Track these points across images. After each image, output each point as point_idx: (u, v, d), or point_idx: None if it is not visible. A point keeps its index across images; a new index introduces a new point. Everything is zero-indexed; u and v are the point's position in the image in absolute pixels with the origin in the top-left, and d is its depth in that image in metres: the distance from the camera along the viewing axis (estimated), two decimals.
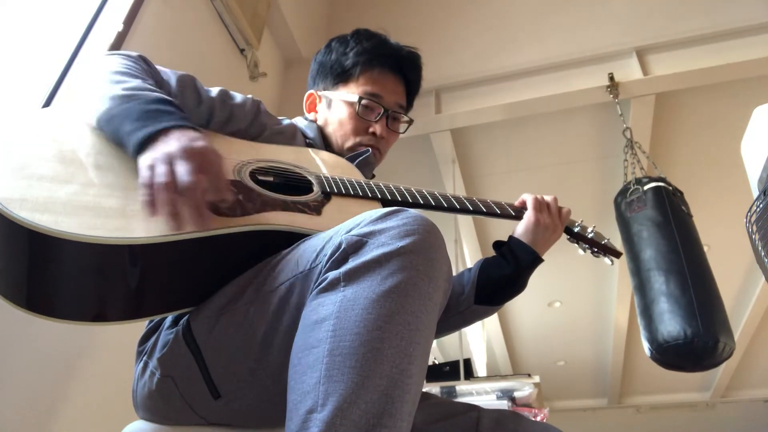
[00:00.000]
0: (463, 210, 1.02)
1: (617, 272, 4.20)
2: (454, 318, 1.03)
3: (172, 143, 0.70)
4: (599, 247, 1.15)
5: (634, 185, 2.36)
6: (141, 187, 0.68)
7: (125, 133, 0.74)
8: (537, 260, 1.02)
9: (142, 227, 0.68)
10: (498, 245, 1.06)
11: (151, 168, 0.69)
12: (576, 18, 2.85)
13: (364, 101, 1.09)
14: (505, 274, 1.01)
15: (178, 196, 0.67)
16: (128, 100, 0.77)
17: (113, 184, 0.73)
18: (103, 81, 0.81)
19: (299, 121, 1.15)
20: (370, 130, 1.10)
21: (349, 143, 1.10)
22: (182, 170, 0.68)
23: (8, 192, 0.65)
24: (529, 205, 1.07)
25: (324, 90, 1.15)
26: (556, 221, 1.07)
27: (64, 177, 0.70)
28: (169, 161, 0.68)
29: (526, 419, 0.87)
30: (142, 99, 0.77)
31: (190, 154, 0.69)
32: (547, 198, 1.09)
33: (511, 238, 1.05)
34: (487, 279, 1.01)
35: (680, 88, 2.74)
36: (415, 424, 0.79)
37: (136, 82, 0.81)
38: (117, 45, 1.57)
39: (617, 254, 1.16)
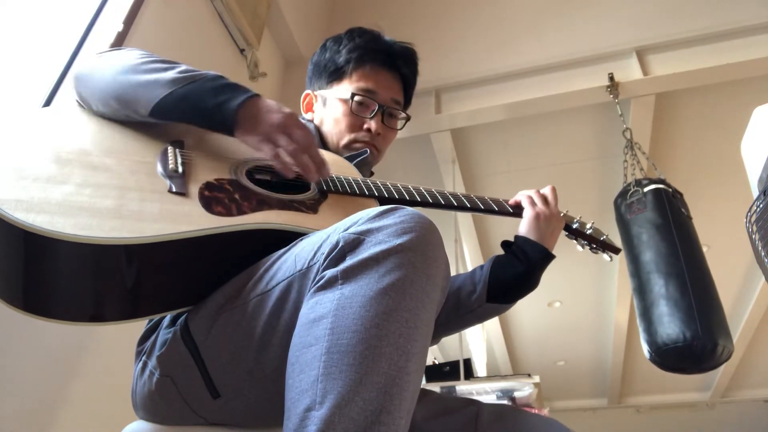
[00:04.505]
0: (461, 207, 1.01)
1: (617, 272, 4.20)
2: (466, 316, 1.03)
3: (272, 114, 0.79)
4: (598, 243, 1.14)
5: (633, 187, 2.35)
6: (271, 158, 0.80)
7: (210, 108, 0.78)
8: (548, 256, 1.02)
9: (138, 227, 0.67)
10: (507, 245, 1.06)
11: (269, 140, 0.79)
12: (576, 18, 2.85)
13: (357, 97, 1.08)
14: (518, 272, 1.00)
15: (305, 156, 0.80)
16: (192, 80, 0.80)
17: (109, 184, 0.72)
18: (139, 72, 0.81)
19: None
20: (365, 126, 1.08)
21: (344, 141, 1.09)
22: (299, 134, 0.80)
23: (4, 193, 0.64)
24: (525, 204, 1.07)
25: (319, 89, 1.15)
26: (553, 209, 1.07)
27: (59, 177, 0.70)
28: (283, 130, 0.79)
29: (525, 413, 0.87)
30: (206, 77, 0.81)
31: (292, 120, 0.80)
32: (542, 191, 1.10)
33: (517, 237, 1.04)
34: (499, 277, 1.01)
35: (680, 88, 2.74)
36: (415, 421, 0.78)
37: (182, 66, 0.83)
38: (117, 45, 1.57)
39: (616, 250, 1.16)
